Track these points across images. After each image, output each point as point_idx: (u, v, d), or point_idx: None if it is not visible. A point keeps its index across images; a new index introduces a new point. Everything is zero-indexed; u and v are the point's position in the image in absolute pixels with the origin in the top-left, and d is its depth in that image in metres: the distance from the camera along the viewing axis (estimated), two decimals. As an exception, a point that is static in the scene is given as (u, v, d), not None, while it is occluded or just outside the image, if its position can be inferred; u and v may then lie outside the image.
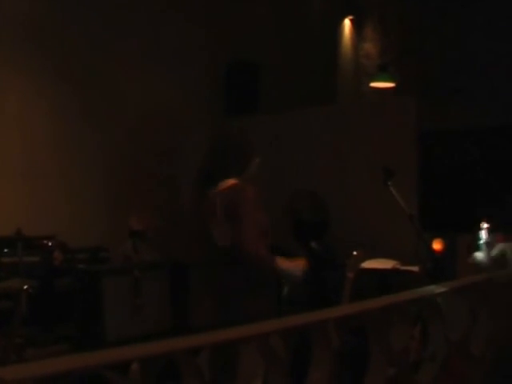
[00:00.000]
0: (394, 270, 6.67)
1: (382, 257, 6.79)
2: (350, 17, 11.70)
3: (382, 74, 10.23)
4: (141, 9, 9.22)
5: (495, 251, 5.38)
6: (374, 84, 10.41)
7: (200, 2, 9.82)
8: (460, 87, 9.89)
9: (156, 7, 9.39)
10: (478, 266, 5.22)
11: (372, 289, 6.53)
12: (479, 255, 3.11)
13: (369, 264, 6.48)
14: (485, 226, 5.88)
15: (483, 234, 6.19)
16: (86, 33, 8.68)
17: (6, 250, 7.16)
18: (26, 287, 6.14)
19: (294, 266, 4.44)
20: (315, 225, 7.50)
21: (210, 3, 9.93)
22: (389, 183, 5.43)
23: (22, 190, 8.10)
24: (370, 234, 7.32)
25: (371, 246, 6.52)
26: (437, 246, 6.97)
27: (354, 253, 5.73)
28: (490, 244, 5.73)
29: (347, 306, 2.97)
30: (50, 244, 7.51)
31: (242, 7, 10.33)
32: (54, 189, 8.33)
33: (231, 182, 4.28)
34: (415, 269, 6.33)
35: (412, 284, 6.32)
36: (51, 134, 8.44)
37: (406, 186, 6.55)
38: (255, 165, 4.56)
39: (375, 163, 6.79)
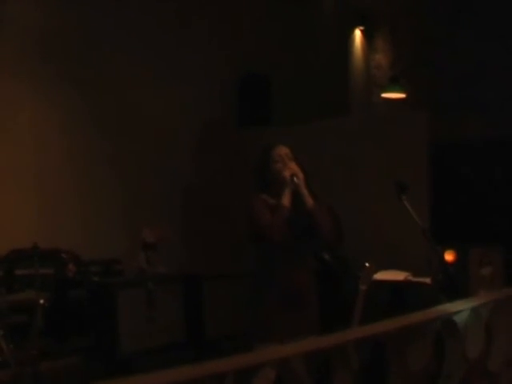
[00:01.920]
0: (406, 282, 6.69)
1: (394, 268, 6.81)
2: (361, 28, 11.71)
3: (393, 84, 10.26)
4: (154, 21, 9.25)
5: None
6: (385, 95, 10.43)
7: (212, 15, 9.85)
8: (471, 98, 9.90)
9: (170, 20, 9.42)
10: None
11: (384, 300, 6.55)
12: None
13: (381, 275, 6.50)
14: None
15: None
16: (99, 44, 8.70)
17: (21, 263, 7.21)
18: (42, 301, 6.16)
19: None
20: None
21: (222, 17, 9.96)
22: (403, 198, 5.44)
23: (36, 203, 8.12)
24: (382, 245, 7.35)
25: (383, 257, 6.54)
26: (449, 257, 6.99)
27: (367, 264, 5.74)
28: None
29: (365, 327, 2.99)
30: (63, 256, 7.56)
31: (254, 20, 10.36)
32: (68, 202, 8.35)
33: None
34: (427, 280, 6.34)
35: (424, 295, 6.36)
36: (64, 145, 8.47)
37: (417, 198, 6.57)
38: None
39: (387, 175, 6.83)
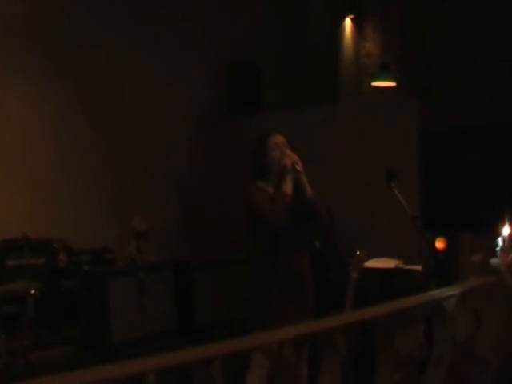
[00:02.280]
0: (397, 269, 6.72)
1: (384, 256, 6.83)
2: (351, 16, 11.70)
3: (383, 73, 10.24)
4: (144, 11, 9.24)
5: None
6: (375, 83, 10.42)
7: (201, 3, 9.83)
8: (461, 86, 9.91)
9: (159, 9, 9.40)
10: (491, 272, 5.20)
11: (375, 288, 6.57)
12: (494, 261, 3.13)
13: (372, 263, 6.52)
14: (505, 230, 5.83)
15: (500, 240, 6.16)
16: (89, 36, 8.70)
17: (11, 253, 7.21)
18: (33, 291, 6.17)
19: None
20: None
21: (212, 5, 9.94)
22: (392, 185, 5.45)
23: (26, 193, 8.13)
24: (372, 233, 7.36)
25: (375, 245, 6.56)
26: (439, 244, 7.01)
27: (358, 252, 5.76)
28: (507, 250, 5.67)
29: (353, 312, 3.01)
30: (54, 246, 7.56)
31: (244, 8, 10.35)
32: (58, 191, 8.35)
33: None
34: (418, 268, 6.37)
35: (415, 283, 6.38)
36: (54, 137, 8.47)
37: (407, 186, 6.58)
38: None
39: (377, 163, 6.84)
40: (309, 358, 2.48)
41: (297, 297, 4.74)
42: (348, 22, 11.78)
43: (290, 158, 4.79)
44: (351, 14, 11.70)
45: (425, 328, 4.54)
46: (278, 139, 4.93)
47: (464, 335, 3.15)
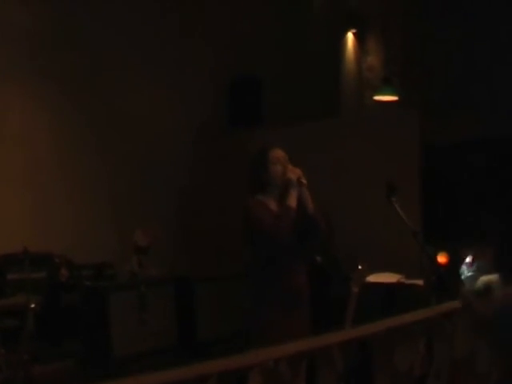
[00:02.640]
0: (398, 284, 6.69)
1: (386, 271, 6.81)
2: (353, 30, 11.70)
3: (385, 87, 10.23)
4: (145, 23, 9.25)
5: (479, 284, 5.25)
6: (377, 97, 10.41)
7: (203, 16, 9.84)
8: (462, 99, 9.90)
9: (160, 21, 9.41)
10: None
11: (377, 302, 6.54)
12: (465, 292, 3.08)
13: (374, 278, 6.50)
14: (467, 259, 5.74)
15: (464, 268, 6.09)
16: (88, 47, 8.70)
17: (12, 267, 7.21)
18: (33, 305, 6.15)
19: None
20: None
21: (213, 18, 9.95)
22: (393, 199, 5.44)
23: (27, 208, 8.13)
24: (374, 248, 7.34)
25: (376, 260, 6.54)
26: (441, 259, 6.98)
27: (359, 267, 5.73)
28: (473, 277, 5.56)
29: (351, 330, 3.00)
30: (56, 261, 7.55)
31: (245, 21, 10.35)
32: (59, 206, 8.35)
33: None
34: (420, 282, 6.34)
35: (417, 297, 6.36)
36: (55, 149, 8.47)
37: (409, 199, 6.58)
38: None
39: (378, 176, 6.82)
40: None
41: (295, 310, 4.73)
42: (350, 35, 11.77)
43: (294, 172, 4.80)
44: (353, 27, 11.69)
45: (426, 342, 4.52)
46: (279, 153, 4.93)
47: (464, 350, 3.14)
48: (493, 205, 9.29)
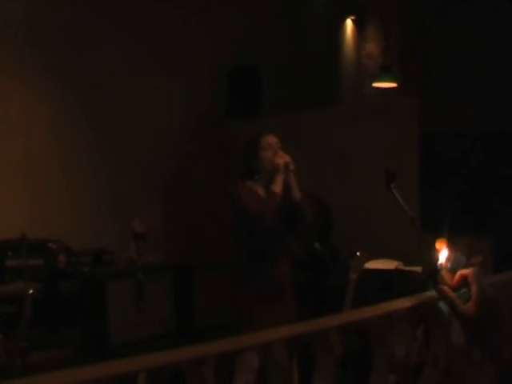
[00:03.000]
0: (396, 271, 6.70)
1: (385, 257, 6.82)
2: (352, 17, 11.68)
3: (384, 74, 10.23)
4: (142, 14, 9.23)
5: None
6: (376, 84, 10.40)
7: (200, 5, 9.81)
8: (461, 88, 9.89)
9: (157, 12, 9.38)
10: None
11: (375, 289, 6.55)
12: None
13: (372, 264, 6.51)
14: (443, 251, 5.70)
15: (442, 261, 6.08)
16: (87, 38, 8.70)
17: (10, 254, 7.20)
18: (31, 291, 6.15)
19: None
20: (318, 226, 7.52)
21: (210, 6, 9.92)
22: (392, 186, 5.44)
23: (25, 194, 8.13)
24: (373, 234, 7.34)
25: (374, 246, 6.54)
26: (440, 246, 6.98)
27: (358, 253, 5.74)
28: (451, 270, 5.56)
29: (349, 313, 3.00)
30: (54, 247, 7.54)
31: (243, 9, 10.33)
32: (57, 192, 8.35)
33: None
34: (418, 269, 6.34)
35: (415, 284, 6.36)
36: (53, 138, 8.47)
37: (408, 188, 6.57)
38: None
39: (377, 164, 6.81)
40: (302, 359, 2.47)
41: (279, 300, 4.74)
42: (349, 23, 11.76)
43: (283, 157, 4.78)
44: (352, 15, 11.68)
45: (423, 330, 4.52)
46: (271, 139, 4.92)
47: (461, 337, 3.12)
48: (490, 194, 9.30)
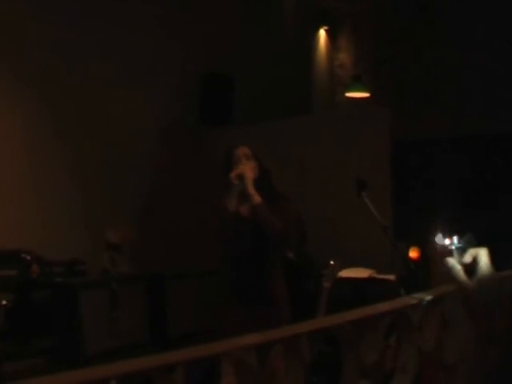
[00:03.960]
0: (370, 279, 6.74)
1: (358, 266, 6.85)
2: (325, 27, 11.75)
3: (356, 84, 10.31)
4: (115, 19, 9.21)
5: (467, 256, 5.34)
6: (349, 94, 10.47)
7: (172, 14, 9.82)
8: (433, 96, 9.98)
9: (128, 21, 9.37)
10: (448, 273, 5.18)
11: (348, 297, 6.59)
12: (451, 261, 3.13)
13: (345, 273, 6.54)
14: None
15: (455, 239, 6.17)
16: (60, 47, 8.64)
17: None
18: (4, 302, 6.13)
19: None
20: (291, 236, 7.54)
21: (184, 16, 9.94)
22: (363, 194, 5.49)
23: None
24: (345, 243, 7.38)
25: (348, 255, 6.58)
26: (413, 254, 7.04)
27: (331, 262, 5.77)
28: (462, 249, 5.68)
29: (319, 319, 3.03)
30: (27, 258, 7.51)
31: (216, 17, 10.35)
32: (30, 202, 8.29)
33: None
34: (391, 277, 6.39)
35: (388, 292, 6.40)
36: (25, 147, 8.40)
37: (380, 196, 6.62)
38: None
39: (349, 173, 6.86)
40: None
41: (257, 307, 4.76)
42: (322, 33, 11.83)
43: (236, 171, 4.81)
44: (325, 25, 11.74)
45: (395, 335, 4.55)
46: (240, 151, 4.95)
47: (431, 342, 3.15)
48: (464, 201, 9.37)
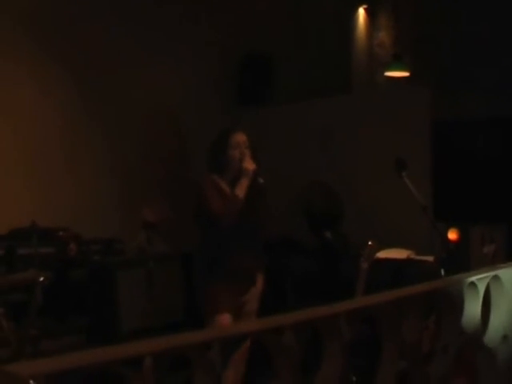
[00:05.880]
0: (408, 260, 6.67)
1: (396, 247, 6.79)
2: (364, 6, 11.63)
3: (396, 63, 10.17)
4: (151, 5, 9.20)
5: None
6: (388, 73, 10.36)
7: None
8: (474, 75, 9.84)
9: (167, 2, 9.35)
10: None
11: (386, 279, 6.53)
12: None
13: (383, 254, 6.47)
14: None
15: None
16: (93, 29, 8.68)
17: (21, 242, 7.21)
18: (41, 279, 6.15)
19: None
20: (329, 215, 7.50)
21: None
22: (403, 174, 5.41)
23: (36, 183, 8.14)
24: (384, 224, 7.31)
25: (386, 235, 6.51)
26: (452, 235, 6.96)
27: (369, 243, 5.71)
28: None
29: (359, 299, 2.98)
30: (64, 236, 7.54)
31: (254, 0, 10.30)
32: (68, 181, 8.35)
33: None
34: (430, 258, 6.32)
35: (427, 274, 6.33)
36: (62, 128, 8.50)
37: (419, 176, 6.54)
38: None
39: (389, 153, 6.78)
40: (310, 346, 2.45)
41: (241, 290, 4.79)
42: (361, 11, 11.70)
43: (252, 164, 4.81)
44: (364, 3, 11.63)
45: (435, 319, 4.50)
46: (240, 138, 4.96)
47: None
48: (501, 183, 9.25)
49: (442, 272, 5.20)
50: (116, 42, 8.85)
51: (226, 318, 4.74)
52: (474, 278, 3.08)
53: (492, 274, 3.25)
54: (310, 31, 11.06)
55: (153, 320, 7.33)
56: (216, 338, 2.02)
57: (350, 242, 7.16)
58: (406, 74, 10.13)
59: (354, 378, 5.39)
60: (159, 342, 2.00)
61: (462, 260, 6.26)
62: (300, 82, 10.32)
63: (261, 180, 4.79)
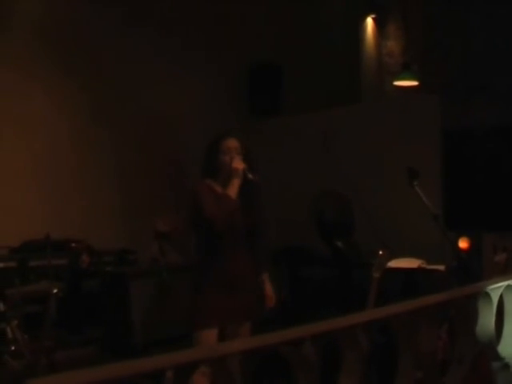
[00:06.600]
0: (419, 269, 6.67)
1: (407, 256, 6.79)
2: (373, 15, 11.66)
3: (405, 72, 10.19)
4: (160, 9, 9.24)
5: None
6: (397, 83, 10.38)
7: (221, 4, 9.81)
8: (484, 84, 9.84)
9: (176, 8, 9.39)
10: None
11: (398, 288, 6.53)
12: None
13: (395, 263, 6.48)
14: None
15: None
16: (102, 34, 8.72)
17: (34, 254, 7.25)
18: (55, 291, 6.19)
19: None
20: (340, 225, 7.51)
21: (233, 6, 9.92)
22: (415, 183, 5.42)
23: (49, 195, 8.17)
24: (395, 233, 7.31)
25: (397, 245, 6.52)
26: (463, 244, 6.96)
27: (380, 252, 5.72)
28: None
29: (376, 310, 3.02)
30: (77, 247, 7.58)
31: (265, 9, 10.32)
32: (79, 193, 8.39)
33: None
34: (441, 268, 6.32)
35: (438, 283, 6.34)
36: (75, 139, 8.62)
37: (430, 185, 6.55)
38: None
39: (399, 162, 6.80)
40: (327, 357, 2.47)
41: (235, 297, 4.77)
42: (369, 21, 11.74)
43: (241, 164, 4.83)
44: (373, 13, 11.66)
45: (448, 329, 4.50)
46: (231, 144, 4.98)
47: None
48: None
49: (455, 281, 5.21)
50: (127, 56, 8.90)
51: (212, 335, 4.74)
52: (487, 288, 3.10)
53: (505, 283, 3.27)
54: (319, 41, 11.09)
55: (166, 331, 7.34)
56: (231, 353, 2.04)
57: (361, 251, 7.17)
58: (415, 83, 10.15)
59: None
60: (179, 355, 2.02)
61: (473, 269, 6.25)
62: (309, 92, 10.35)
63: (250, 176, 4.79)
